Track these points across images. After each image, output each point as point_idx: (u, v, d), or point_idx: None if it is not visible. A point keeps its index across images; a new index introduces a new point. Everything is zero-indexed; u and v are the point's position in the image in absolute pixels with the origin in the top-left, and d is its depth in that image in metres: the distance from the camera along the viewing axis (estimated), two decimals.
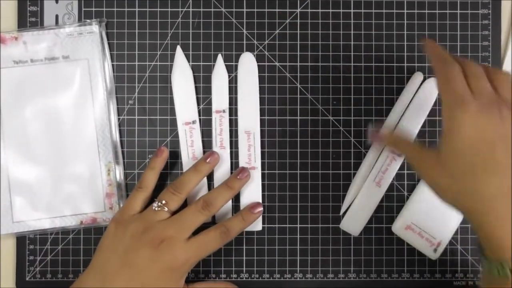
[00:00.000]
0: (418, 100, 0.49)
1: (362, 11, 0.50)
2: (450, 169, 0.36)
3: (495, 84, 0.38)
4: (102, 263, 0.43)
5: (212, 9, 0.50)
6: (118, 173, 0.49)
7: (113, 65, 0.49)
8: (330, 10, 0.50)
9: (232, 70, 0.50)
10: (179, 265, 0.42)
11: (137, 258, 0.42)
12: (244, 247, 0.49)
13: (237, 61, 0.50)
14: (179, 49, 0.49)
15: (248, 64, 0.49)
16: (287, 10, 0.50)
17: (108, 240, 0.43)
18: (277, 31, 0.50)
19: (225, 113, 0.49)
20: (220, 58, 0.50)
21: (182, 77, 0.49)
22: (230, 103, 0.49)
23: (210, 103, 0.50)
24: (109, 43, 0.49)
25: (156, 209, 0.44)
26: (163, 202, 0.44)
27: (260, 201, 0.49)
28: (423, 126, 0.49)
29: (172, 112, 0.49)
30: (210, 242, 0.43)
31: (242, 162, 0.49)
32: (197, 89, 0.50)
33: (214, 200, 0.45)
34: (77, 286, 0.42)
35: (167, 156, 0.47)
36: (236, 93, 0.50)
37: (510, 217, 0.34)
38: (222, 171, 0.49)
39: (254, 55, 0.50)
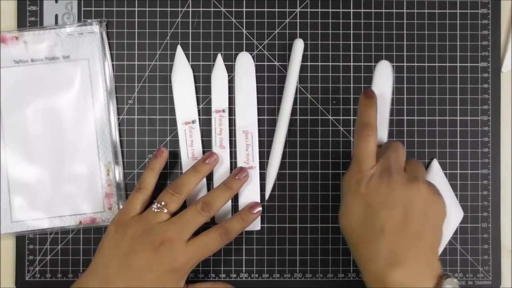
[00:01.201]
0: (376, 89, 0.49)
1: (362, 10, 0.51)
2: (343, 222, 0.43)
3: (407, 167, 0.43)
4: (102, 265, 0.43)
5: (212, 9, 0.51)
6: (118, 173, 0.50)
7: (112, 64, 0.50)
8: (330, 10, 0.51)
9: (231, 69, 0.51)
10: (179, 267, 0.43)
11: (137, 260, 0.42)
12: (244, 247, 0.50)
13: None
14: (179, 49, 0.50)
15: (245, 63, 0.50)
16: (287, 9, 0.51)
17: (108, 242, 0.44)
18: (276, 31, 0.51)
19: (224, 113, 0.50)
20: (219, 58, 0.50)
21: (182, 76, 0.50)
22: (230, 103, 0.50)
23: (209, 102, 0.50)
24: (108, 43, 0.50)
25: (155, 210, 0.45)
26: (162, 203, 0.45)
27: (259, 200, 0.50)
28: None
29: (172, 111, 0.50)
30: (210, 243, 0.44)
31: (240, 162, 0.50)
32: (196, 89, 0.50)
33: (213, 201, 0.45)
34: (77, 287, 0.43)
35: (166, 157, 0.48)
36: (234, 93, 0.50)
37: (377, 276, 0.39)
38: (221, 171, 0.50)
39: (253, 55, 0.50)
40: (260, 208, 0.48)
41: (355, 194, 0.42)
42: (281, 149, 0.49)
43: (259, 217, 0.49)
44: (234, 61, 0.51)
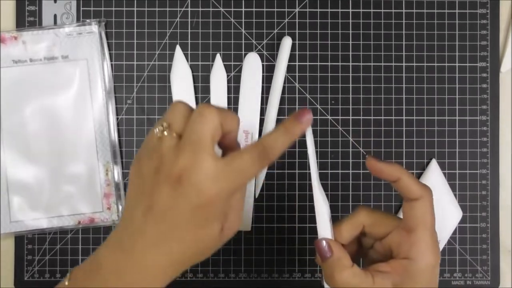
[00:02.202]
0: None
1: (361, 10, 0.51)
2: None
3: None
4: (128, 215, 0.36)
5: (211, 9, 0.51)
6: (117, 173, 0.50)
7: (111, 64, 0.51)
8: (329, 10, 0.51)
9: (230, 69, 0.51)
10: (209, 200, 0.33)
11: (160, 201, 0.34)
12: (243, 246, 0.51)
13: (235, 60, 0.51)
14: (178, 49, 0.51)
15: (253, 64, 0.51)
16: (286, 9, 0.51)
17: (129, 188, 0.36)
18: (275, 31, 0.51)
19: None
20: (218, 58, 0.51)
21: (181, 76, 0.51)
22: (229, 103, 0.51)
23: (208, 102, 0.51)
24: (107, 43, 0.51)
25: (158, 134, 0.35)
26: (164, 124, 0.35)
27: (253, 201, 0.50)
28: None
29: None
30: (246, 167, 0.34)
31: None
32: (195, 89, 0.51)
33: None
34: (108, 242, 0.36)
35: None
36: (234, 93, 0.51)
37: None
38: None
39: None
40: (311, 116, 0.36)
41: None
42: None
43: (250, 216, 0.48)
44: (233, 61, 0.51)
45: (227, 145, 0.36)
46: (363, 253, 0.40)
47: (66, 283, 0.36)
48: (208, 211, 0.33)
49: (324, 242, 0.36)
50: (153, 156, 0.34)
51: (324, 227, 0.37)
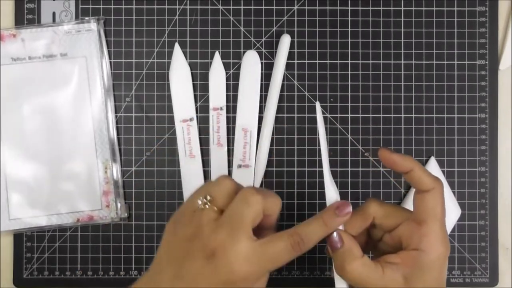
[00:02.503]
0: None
1: (359, 8, 0.51)
2: None
3: None
4: (157, 271, 0.37)
5: (210, 7, 0.51)
6: (115, 171, 0.50)
7: (110, 62, 0.51)
8: (328, 8, 0.51)
9: (229, 67, 0.51)
10: (239, 279, 0.34)
11: (190, 270, 0.35)
12: None
13: (234, 58, 0.51)
14: (177, 46, 0.51)
15: (251, 62, 0.51)
16: (285, 7, 0.51)
17: (162, 246, 0.37)
18: (274, 29, 0.51)
19: (222, 111, 0.51)
20: (217, 56, 0.51)
21: (180, 74, 0.51)
22: (227, 101, 0.51)
23: (207, 100, 0.51)
24: (106, 41, 0.51)
25: (200, 206, 0.36)
26: (208, 197, 0.36)
27: None
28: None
29: (170, 109, 0.51)
30: (279, 255, 0.35)
31: (237, 160, 0.50)
32: (194, 87, 0.51)
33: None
34: None
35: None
36: (233, 91, 0.51)
37: None
38: (219, 169, 0.50)
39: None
40: (350, 209, 0.37)
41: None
42: (268, 145, 0.50)
43: None
44: (232, 59, 0.51)
45: (265, 225, 0.37)
46: (372, 245, 0.40)
47: None
48: (241, 286, 0.34)
49: (335, 233, 0.37)
50: (191, 224, 0.36)
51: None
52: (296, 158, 0.51)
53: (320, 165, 0.51)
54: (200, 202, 0.36)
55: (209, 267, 0.34)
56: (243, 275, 0.34)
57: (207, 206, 0.36)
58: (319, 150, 0.51)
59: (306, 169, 0.51)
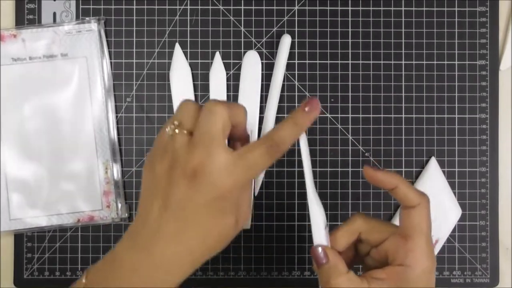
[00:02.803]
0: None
1: (360, 8, 0.51)
2: None
3: None
4: (144, 213, 0.36)
5: (210, 7, 0.51)
6: (116, 171, 0.51)
7: (111, 62, 0.51)
8: (328, 8, 0.52)
9: (230, 68, 0.51)
10: (224, 192, 0.34)
11: (175, 198, 0.35)
12: (242, 244, 0.51)
13: (235, 58, 0.51)
14: (177, 47, 0.51)
15: (252, 62, 0.51)
16: (285, 7, 0.52)
17: (143, 186, 0.37)
18: (275, 29, 0.51)
19: None
20: (217, 56, 0.51)
21: (180, 74, 0.51)
22: (228, 101, 0.51)
23: (207, 100, 0.51)
24: (107, 41, 0.51)
25: (170, 133, 0.36)
26: (175, 123, 0.36)
27: (253, 199, 0.50)
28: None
29: (170, 109, 0.51)
30: (257, 161, 0.35)
31: None
32: (195, 87, 0.51)
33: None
34: (126, 239, 0.37)
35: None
36: (234, 91, 0.51)
37: None
38: None
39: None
40: (319, 106, 0.37)
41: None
42: None
43: (250, 215, 0.48)
44: (233, 59, 0.51)
45: (237, 136, 0.38)
46: (359, 260, 0.40)
47: (84, 281, 0.37)
48: (223, 204, 0.35)
49: (320, 249, 0.37)
50: (166, 154, 0.35)
51: (319, 235, 0.37)
52: (296, 158, 0.51)
53: (321, 165, 0.51)
54: (168, 129, 0.36)
55: (193, 188, 0.34)
56: (227, 187, 0.34)
57: (176, 131, 0.35)
58: (319, 150, 0.51)
59: (317, 169, 0.51)
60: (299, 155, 0.51)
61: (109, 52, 0.51)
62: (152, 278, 0.35)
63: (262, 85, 0.51)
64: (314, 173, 0.51)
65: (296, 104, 0.51)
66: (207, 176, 0.34)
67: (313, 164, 0.51)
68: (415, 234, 0.36)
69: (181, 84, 0.51)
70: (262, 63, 0.51)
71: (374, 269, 0.37)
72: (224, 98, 0.51)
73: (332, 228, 0.38)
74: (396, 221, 0.50)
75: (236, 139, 0.38)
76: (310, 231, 0.51)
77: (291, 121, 0.36)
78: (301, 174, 0.51)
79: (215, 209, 0.35)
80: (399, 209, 0.50)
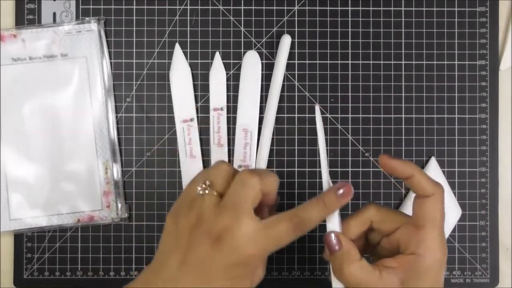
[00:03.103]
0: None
1: (360, 8, 0.52)
2: None
3: None
4: (162, 262, 0.37)
5: (210, 7, 0.52)
6: (116, 171, 0.51)
7: (110, 62, 0.51)
8: (328, 8, 0.52)
9: (230, 68, 0.51)
10: (245, 260, 0.35)
11: (197, 256, 0.35)
12: None
13: (235, 58, 0.51)
14: (177, 47, 0.51)
15: (252, 62, 0.51)
16: (285, 8, 0.52)
17: (165, 237, 0.38)
18: (275, 29, 0.52)
19: (222, 111, 0.51)
20: (217, 56, 0.51)
21: (181, 74, 0.51)
22: (228, 101, 0.51)
23: (207, 100, 0.51)
24: (106, 41, 0.51)
25: (200, 192, 0.37)
26: (207, 182, 0.37)
27: None
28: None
29: (170, 109, 0.51)
30: (281, 236, 0.36)
31: (237, 160, 0.50)
32: (194, 87, 0.51)
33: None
34: (138, 287, 0.38)
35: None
36: (234, 91, 0.51)
37: None
38: None
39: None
40: (352, 191, 0.37)
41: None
42: (268, 145, 0.50)
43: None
44: (233, 59, 0.51)
45: (265, 202, 0.39)
46: (369, 249, 0.40)
47: None
48: (242, 270, 0.35)
49: (333, 235, 0.37)
50: (192, 211, 0.36)
51: (333, 221, 0.37)
52: (296, 158, 0.51)
53: (320, 166, 0.51)
54: (199, 189, 0.37)
55: (215, 251, 0.35)
56: (249, 255, 0.35)
57: (206, 192, 0.36)
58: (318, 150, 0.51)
59: (307, 169, 0.51)
60: (299, 155, 0.51)
61: (109, 52, 0.51)
62: None
63: (262, 85, 0.51)
64: (314, 173, 0.51)
65: (296, 105, 0.51)
66: (231, 242, 0.35)
67: (313, 164, 0.51)
68: (428, 224, 0.36)
69: (181, 84, 0.51)
70: (262, 63, 0.51)
71: (384, 258, 0.37)
72: (224, 98, 0.51)
73: (343, 217, 0.38)
74: (404, 209, 0.50)
75: (264, 204, 0.39)
76: (310, 231, 0.51)
77: (321, 202, 0.37)
78: (301, 174, 0.51)
79: (234, 275, 0.35)
80: (407, 196, 0.50)
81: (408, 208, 0.50)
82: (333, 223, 0.37)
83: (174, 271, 0.36)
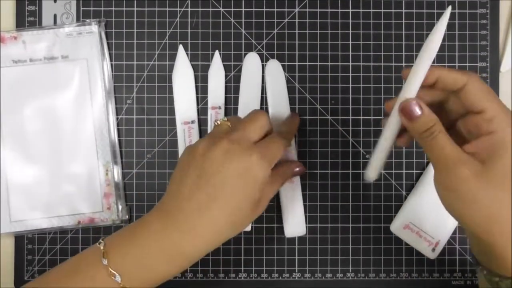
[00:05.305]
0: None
1: (360, 10, 0.52)
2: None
3: None
4: (175, 186, 0.41)
5: (211, 9, 0.52)
6: (116, 173, 0.51)
7: (111, 64, 0.51)
8: (328, 10, 0.52)
9: (230, 70, 0.51)
10: (254, 167, 0.40)
11: (210, 165, 0.40)
12: (243, 246, 0.51)
13: (235, 60, 0.51)
14: (181, 48, 0.51)
15: (252, 64, 0.51)
16: (285, 9, 0.52)
17: (179, 164, 0.42)
18: (275, 31, 0.52)
19: (220, 110, 0.51)
20: (217, 55, 0.51)
21: (183, 76, 0.51)
22: (228, 102, 0.51)
23: (207, 99, 0.51)
24: (107, 43, 0.51)
25: (218, 123, 0.43)
26: (225, 119, 0.43)
27: None
28: None
29: (170, 111, 0.51)
30: (275, 143, 0.43)
31: None
32: (196, 89, 0.51)
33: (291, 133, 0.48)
34: (156, 209, 0.41)
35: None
36: (234, 93, 0.51)
37: None
38: None
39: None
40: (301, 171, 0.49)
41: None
42: None
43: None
44: (233, 61, 0.51)
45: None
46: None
47: (101, 247, 0.39)
48: (253, 176, 0.40)
49: (413, 101, 0.36)
50: (208, 136, 0.42)
51: (409, 88, 0.36)
52: (297, 159, 0.51)
53: (321, 167, 0.51)
54: (220, 121, 0.43)
55: (225, 156, 0.40)
56: (256, 163, 0.40)
57: (224, 121, 0.43)
58: (320, 152, 0.51)
59: (307, 171, 0.51)
60: (299, 156, 0.51)
61: (110, 54, 0.51)
62: (177, 241, 0.39)
63: (262, 87, 0.51)
64: (315, 175, 0.51)
65: (297, 106, 0.51)
66: (240, 145, 0.40)
67: (314, 166, 0.51)
68: (486, 104, 0.36)
69: (183, 86, 0.51)
70: (262, 65, 0.51)
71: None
72: (222, 97, 0.51)
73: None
74: (406, 209, 0.50)
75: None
76: (310, 233, 0.51)
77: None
78: (301, 176, 0.51)
79: (246, 181, 0.40)
80: (408, 197, 0.50)
81: (409, 209, 0.50)
82: (411, 90, 0.36)
83: (188, 188, 0.39)
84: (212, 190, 0.39)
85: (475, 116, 0.36)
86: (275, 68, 0.51)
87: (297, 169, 0.49)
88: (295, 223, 0.50)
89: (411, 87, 0.37)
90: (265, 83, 0.51)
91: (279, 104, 0.51)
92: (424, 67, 0.37)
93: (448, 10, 0.37)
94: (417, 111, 0.36)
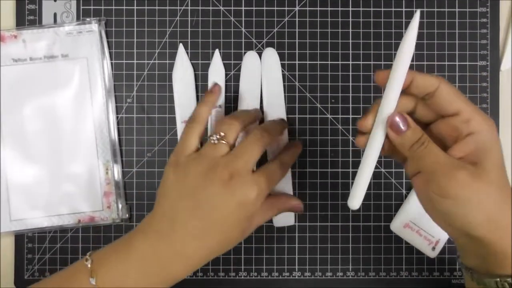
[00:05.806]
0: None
1: (360, 9, 0.52)
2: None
3: None
4: (168, 208, 0.41)
5: (211, 8, 0.52)
6: (116, 171, 0.51)
7: (111, 63, 0.51)
8: (329, 8, 0.52)
9: (230, 68, 0.51)
10: (252, 200, 0.41)
11: (207, 197, 0.40)
12: (243, 245, 0.51)
13: (235, 59, 0.51)
14: (181, 48, 0.51)
15: (252, 63, 0.51)
16: (286, 8, 0.52)
17: (170, 185, 0.42)
18: (275, 30, 0.52)
19: (221, 109, 0.51)
20: (217, 53, 0.51)
21: (183, 75, 0.51)
22: (228, 101, 0.51)
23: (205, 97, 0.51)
24: (107, 41, 0.51)
25: (215, 142, 0.42)
26: (222, 134, 0.43)
27: None
28: None
29: (170, 110, 0.51)
30: (274, 174, 0.44)
31: None
32: (196, 87, 0.51)
33: (271, 128, 0.46)
34: (142, 228, 0.41)
35: (220, 92, 0.50)
36: (234, 92, 0.51)
37: None
38: None
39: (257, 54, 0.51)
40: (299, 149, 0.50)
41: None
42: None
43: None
44: (233, 60, 0.51)
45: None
46: None
47: (88, 265, 0.40)
48: (250, 209, 0.41)
49: (396, 116, 0.36)
50: (204, 159, 0.41)
51: (388, 105, 0.36)
52: (297, 159, 0.51)
53: (321, 166, 0.51)
54: (214, 138, 0.42)
55: (226, 191, 0.40)
56: (256, 194, 0.41)
57: (223, 142, 0.42)
58: (320, 151, 0.51)
59: (307, 170, 0.51)
60: (300, 156, 0.51)
61: (110, 53, 0.51)
62: (171, 265, 0.40)
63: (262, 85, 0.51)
64: (315, 174, 0.51)
65: (297, 105, 0.51)
66: (241, 177, 0.40)
67: (314, 165, 0.51)
68: (460, 105, 0.36)
69: (183, 85, 0.51)
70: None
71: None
72: (222, 96, 0.51)
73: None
74: (406, 209, 0.50)
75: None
76: (310, 231, 0.51)
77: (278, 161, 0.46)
78: (301, 175, 0.51)
79: (243, 214, 0.41)
80: (408, 196, 0.50)
81: (409, 208, 0.50)
82: (389, 106, 0.36)
83: (183, 215, 0.40)
84: (210, 222, 0.40)
85: (451, 119, 0.36)
86: (270, 55, 0.51)
87: (295, 205, 0.48)
88: (284, 213, 0.50)
89: (391, 101, 0.36)
90: (261, 70, 0.51)
91: (274, 92, 0.51)
92: (401, 79, 0.36)
93: (417, 15, 0.37)
94: (402, 127, 0.36)
